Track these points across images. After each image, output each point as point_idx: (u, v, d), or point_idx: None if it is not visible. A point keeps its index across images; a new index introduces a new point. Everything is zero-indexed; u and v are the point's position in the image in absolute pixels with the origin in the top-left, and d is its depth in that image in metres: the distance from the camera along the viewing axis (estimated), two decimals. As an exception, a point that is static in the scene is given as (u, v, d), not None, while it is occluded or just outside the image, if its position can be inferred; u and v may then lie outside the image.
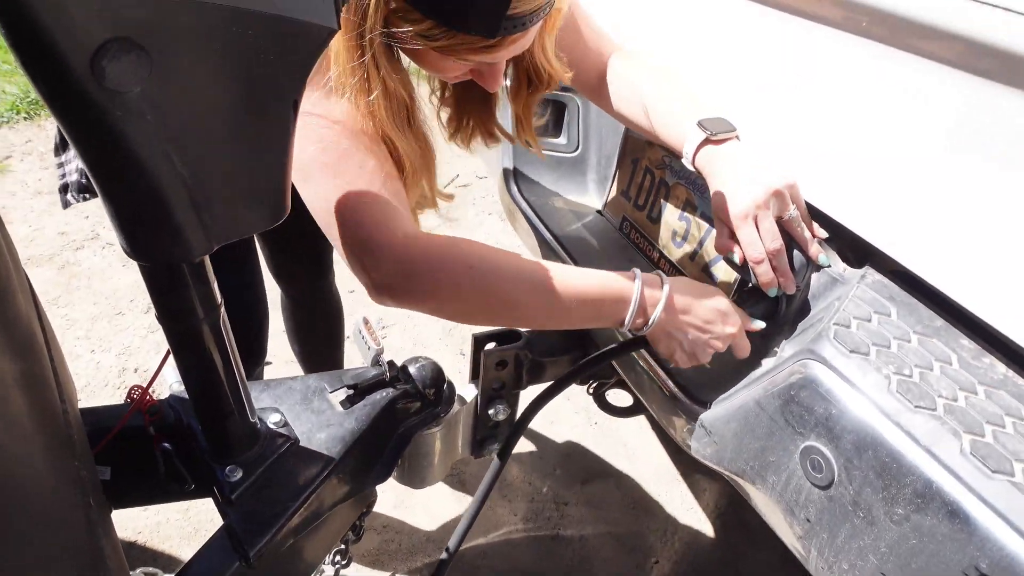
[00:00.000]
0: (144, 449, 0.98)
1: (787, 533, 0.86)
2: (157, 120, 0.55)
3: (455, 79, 0.94)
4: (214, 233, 0.68)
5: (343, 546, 1.34)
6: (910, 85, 0.76)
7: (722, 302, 0.92)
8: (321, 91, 0.88)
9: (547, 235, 1.27)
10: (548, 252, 1.27)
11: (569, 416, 2.29)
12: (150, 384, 0.95)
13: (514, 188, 1.37)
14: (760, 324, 0.94)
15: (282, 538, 0.90)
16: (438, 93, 1.12)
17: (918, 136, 0.77)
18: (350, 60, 0.83)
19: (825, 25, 0.87)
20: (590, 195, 1.43)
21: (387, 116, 0.88)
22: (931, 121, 0.75)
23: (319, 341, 1.84)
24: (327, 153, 0.89)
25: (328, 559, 1.37)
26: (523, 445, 2.19)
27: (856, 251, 0.89)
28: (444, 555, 1.02)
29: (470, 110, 1.13)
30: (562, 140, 1.43)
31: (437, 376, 1.12)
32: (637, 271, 0.91)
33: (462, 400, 1.21)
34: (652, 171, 1.23)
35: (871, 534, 0.72)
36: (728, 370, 0.95)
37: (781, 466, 0.80)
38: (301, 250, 1.61)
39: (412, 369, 1.10)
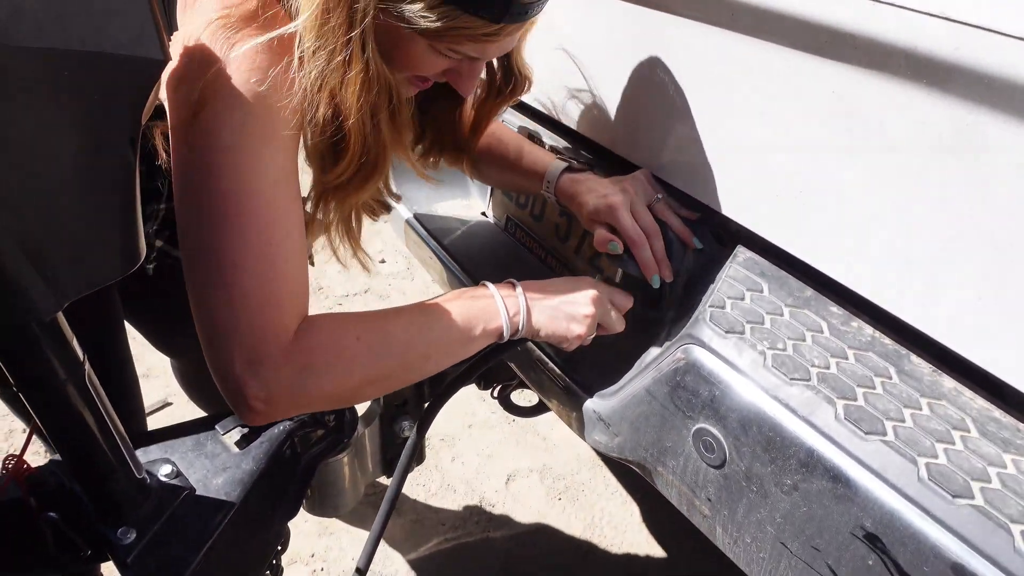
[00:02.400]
0: (28, 521, 0.92)
1: (694, 515, 0.88)
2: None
3: (423, 84, 0.89)
4: (63, 289, 0.63)
5: (264, 586, 1.29)
6: (771, 69, 0.79)
7: (568, 278, 0.95)
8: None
9: (434, 243, 1.26)
10: (441, 264, 1.26)
11: (486, 417, 2.29)
12: (23, 452, 0.89)
13: (404, 208, 1.36)
14: (629, 295, 0.97)
15: (189, 596, 0.85)
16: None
17: (778, 119, 0.80)
18: (333, 38, 0.72)
19: (691, 20, 0.89)
20: (474, 199, 1.43)
21: (362, 103, 0.77)
22: (791, 104, 0.78)
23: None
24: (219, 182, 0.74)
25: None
26: (445, 453, 2.18)
27: (728, 231, 0.92)
28: (354, 575, 1.00)
29: (439, 127, 1.08)
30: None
31: (335, 401, 1.09)
32: (487, 283, 0.91)
33: (366, 421, 1.18)
34: (531, 171, 1.24)
35: (766, 506, 0.75)
36: (620, 360, 0.97)
37: (677, 450, 0.82)
38: (184, 320, 1.50)
39: (308, 398, 1.07)
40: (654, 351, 0.92)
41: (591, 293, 0.91)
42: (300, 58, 0.73)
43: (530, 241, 1.28)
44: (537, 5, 0.76)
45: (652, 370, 0.83)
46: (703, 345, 0.77)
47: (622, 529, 1.98)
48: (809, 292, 0.82)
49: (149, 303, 1.32)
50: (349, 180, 0.86)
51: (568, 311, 0.90)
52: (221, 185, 0.74)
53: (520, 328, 0.89)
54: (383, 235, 3.17)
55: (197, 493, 0.92)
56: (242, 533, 0.94)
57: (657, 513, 2.02)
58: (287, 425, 1.02)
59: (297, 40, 0.73)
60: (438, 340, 0.86)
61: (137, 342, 2.49)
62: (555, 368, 1.02)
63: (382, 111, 0.80)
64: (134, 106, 0.61)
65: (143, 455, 0.94)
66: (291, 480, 1.04)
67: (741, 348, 0.75)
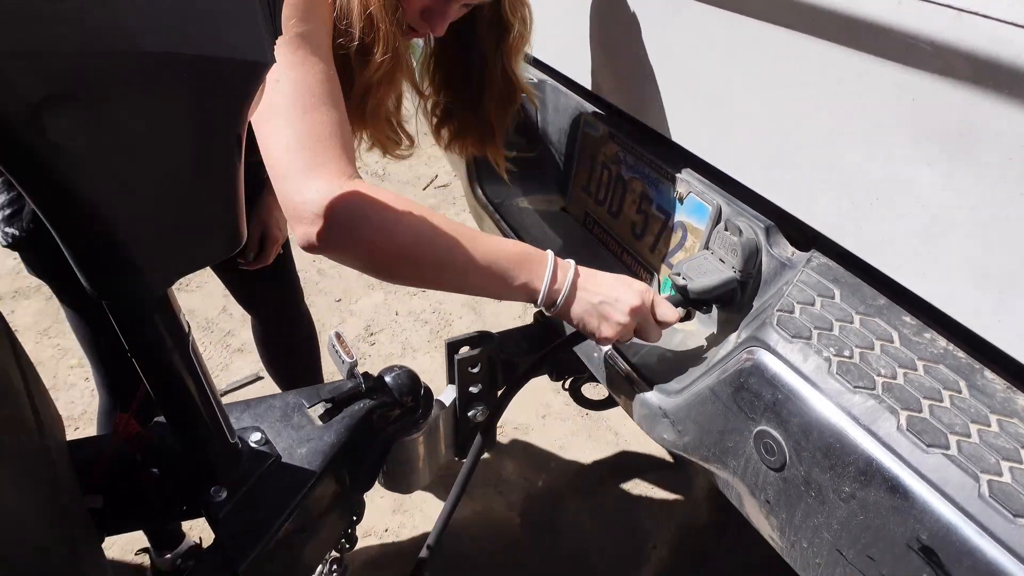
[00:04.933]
0: (134, 476, 1.01)
1: (753, 516, 0.89)
2: (101, 167, 0.58)
3: (414, 34, 1.03)
4: (172, 268, 0.70)
5: (338, 555, 1.37)
6: (850, 72, 0.79)
7: (624, 277, 0.97)
8: None
9: (513, 237, 1.29)
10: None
11: (560, 409, 2.33)
12: (132, 411, 0.98)
13: (479, 191, 1.40)
14: (676, 312, 0.99)
15: (270, 552, 0.93)
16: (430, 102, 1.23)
17: (857, 122, 0.79)
18: None
19: (764, 21, 0.89)
20: (554, 193, 1.45)
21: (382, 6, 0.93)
22: (869, 109, 0.78)
23: (295, 364, 1.86)
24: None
25: (324, 568, 1.40)
26: (517, 441, 2.23)
27: (803, 234, 0.92)
28: (424, 552, 1.05)
29: (463, 124, 1.23)
30: (522, 139, 1.46)
31: (413, 384, 1.15)
32: (551, 251, 0.96)
33: (441, 405, 1.24)
34: (609, 166, 1.26)
35: (823, 512, 0.75)
36: (689, 359, 0.98)
37: (738, 451, 0.83)
38: (265, 276, 1.63)
39: (388, 379, 1.13)
40: (722, 351, 0.93)
41: (634, 303, 0.93)
42: None
43: (607, 237, 1.30)
44: None
45: (717, 370, 0.84)
46: (768, 348, 0.78)
47: (690, 531, 1.98)
48: (883, 301, 0.81)
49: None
50: (380, 78, 0.99)
51: (605, 311, 0.94)
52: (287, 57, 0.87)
53: (557, 303, 0.94)
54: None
55: (283, 460, 0.99)
56: (321, 500, 1.01)
57: (728, 515, 2.01)
58: (367, 403, 1.08)
59: None
60: (479, 264, 0.91)
61: (234, 319, 2.66)
62: (623, 363, 1.04)
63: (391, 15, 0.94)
64: (239, 104, 0.67)
65: (236, 422, 1.02)
66: (368, 455, 1.11)
67: (806, 353, 0.75)
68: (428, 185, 3.57)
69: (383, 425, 1.12)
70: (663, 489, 2.09)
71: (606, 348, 1.08)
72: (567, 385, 1.47)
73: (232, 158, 0.69)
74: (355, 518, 1.26)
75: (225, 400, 0.95)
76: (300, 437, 1.03)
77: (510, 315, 2.70)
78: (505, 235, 1.33)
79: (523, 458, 2.18)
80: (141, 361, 0.81)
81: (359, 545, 1.87)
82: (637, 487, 2.10)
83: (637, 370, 1.02)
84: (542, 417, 2.31)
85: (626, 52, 1.16)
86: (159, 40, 0.58)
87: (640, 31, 1.11)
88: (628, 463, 2.17)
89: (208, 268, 1.45)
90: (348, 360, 1.08)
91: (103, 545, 1.03)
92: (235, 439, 0.95)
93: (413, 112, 1.24)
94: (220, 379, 2.41)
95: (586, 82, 1.30)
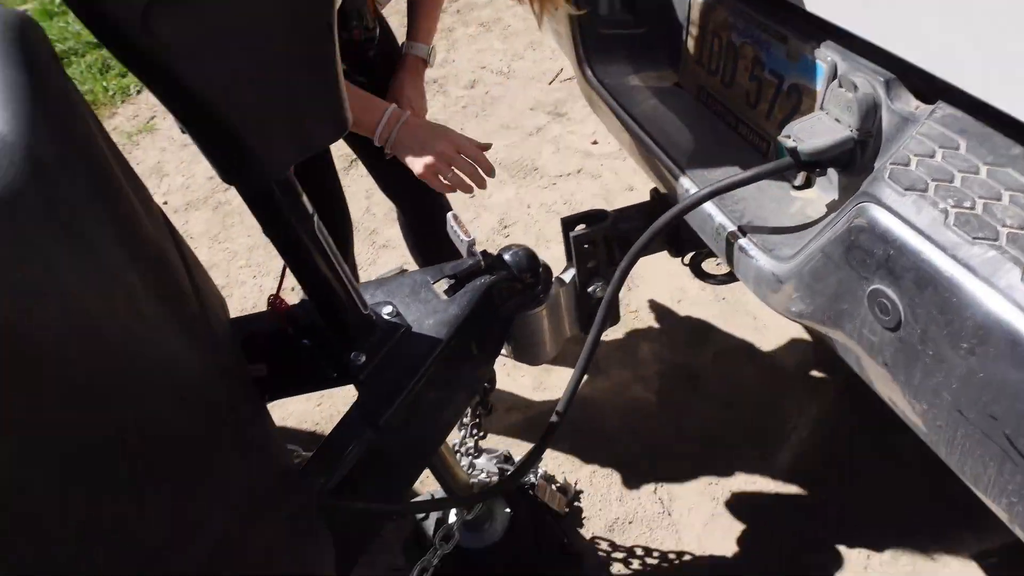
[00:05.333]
0: (290, 347, 1.14)
1: (872, 380, 0.87)
2: (211, 61, 0.64)
3: None
4: (286, 153, 0.77)
5: (477, 420, 1.49)
6: None
7: (443, 129, 1.28)
8: None
9: (625, 117, 1.27)
10: (630, 135, 1.27)
11: (695, 293, 2.30)
12: (278, 290, 1.09)
13: (588, 72, 1.37)
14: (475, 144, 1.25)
15: (406, 409, 1.03)
16: None
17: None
18: None
19: None
20: (665, 68, 1.39)
21: None
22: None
23: (437, 249, 1.95)
24: None
25: (465, 433, 1.53)
26: (653, 325, 2.24)
27: (931, 87, 0.83)
28: (554, 417, 1.12)
29: None
30: (630, 18, 1.40)
31: (531, 261, 1.19)
32: (393, 105, 1.27)
33: (561, 282, 1.28)
34: (719, 34, 1.18)
35: (942, 372, 0.72)
36: (805, 226, 0.94)
37: (854, 313, 0.81)
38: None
39: (506, 256, 1.18)
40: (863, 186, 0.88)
41: (439, 147, 1.22)
42: None
43: (722, 109, 1.24)
44: None
45: (829, 230, 0.80)
46: (879, 203, 0.73)
47: (831, 417, 1.93)
48: (1017, 150, 0.73)
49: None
50: None
51: (417, 151, 1.25)
52: None
53: (388, 141, 1.28)
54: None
55: (413, 330, 1.08)
56: (449, 366, 1.10)
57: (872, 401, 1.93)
58: (487, 279, 1.14)
59: None
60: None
61: (377, 218, 2.82)
62: (736, 231, 1.02)
63: None
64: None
65: (370, 298, 1.12)
66: (491, 326, 1.18)
67: (920, 206, 0.70)
68: (554, 79, 3.50)
69: (504, 299, 1.18)
70: (803, 373, 2.04)
71: (720, 220, 1.06)
72: (687, 260, 1.46)
73: (325, 44, 0.73)
74: (488, 385, 1.35)
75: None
76: (427, 310, 1.11)
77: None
78: (617, 116, 1.30)
79: (658, 341, 2.20)
80: (275, 240, 0.90)
81: (503, 419, 2.02)
82: (775, 372, 2.06)
83: (752, 239, 0.99)
84: (678, 302, 2.30)
85: None
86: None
87: None
88: (767, 346, 2.13)
89: (360, 164, 1.55)
90: (466, 239, 1.13)
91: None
92: (367, 311, 1.05)
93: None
94: (368, 273, 2.59)
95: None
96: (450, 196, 1.79)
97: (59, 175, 0.54)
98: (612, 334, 2.20)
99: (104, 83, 4.04)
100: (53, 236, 0.50)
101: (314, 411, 2.13)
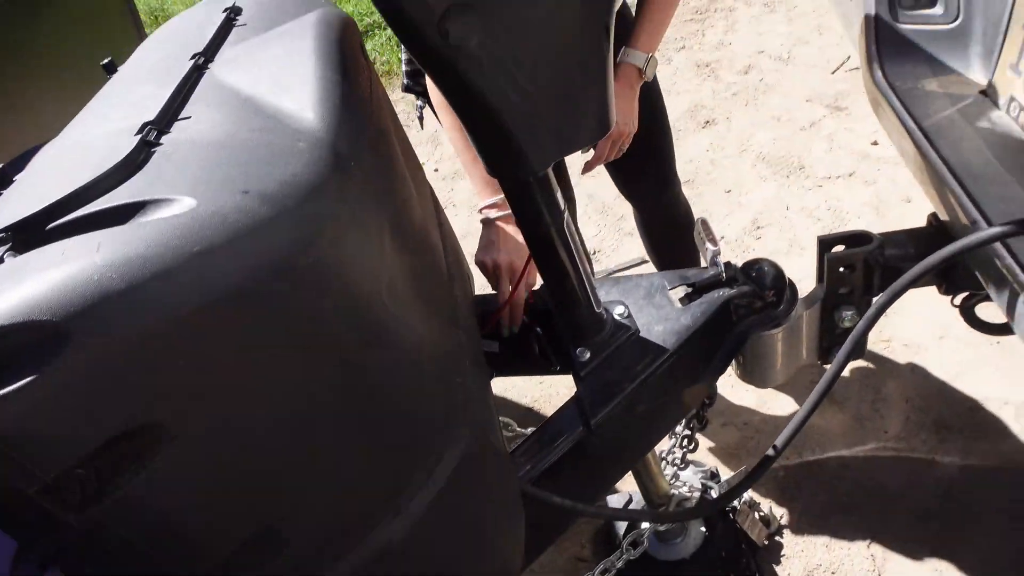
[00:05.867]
0: (521, 331, 1.20)
1: None
2: (494, 63, 0.68)
3: None
4: (549, 152, 0.80)
5: (689, 432, 1.46)
6: None
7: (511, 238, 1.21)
8: None
9: (913, 127, 1.13)
10: (917, 149, 1.13)
11: (963, 332, 2.02)
12: (520, 280, 1.14)
13: (878, 73, 1.23)
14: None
15: (619, 414, 1.03)
16: None
17: None
18: None
19: None
20: (974, 72, 1.21)
21: None
22: None
23: (671, 250, 1.92)
24: None
25: (676, 442, 1.50)
26: (904, 360, 2.02)
27: None
28: (771, 451, 1.06)
29: None
30: (937, 10, 1.23)
31: (777, 278, 1.13)
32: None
33: (807, 304, 1.19)
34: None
35: None
36: None
37: None
38: (642, 166, 1.69)
39: (752, 271, 1.13)
40: None
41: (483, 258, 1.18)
42: None
43: (1038, 130, 1.06)
44: None
45: None
46: None
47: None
48: None
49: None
50: None
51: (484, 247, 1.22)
52: None
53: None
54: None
55: (641, 335, 1.08)
56: (671, 376, 1.08)
57: None
58: (726, 292, 1.10)
59: None
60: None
61: (626, 205, 2.81)
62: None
63: None
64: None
65: (605, 296, 1.13)
66: (722, 343, 1.14)
67: None
68: (838, 68, 3.20)
69: (741, 316, 1.13)
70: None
71: (1008, 264, 0.91)
72: (958, 302, 1.28)
73: (602, 48, 0.75)
74: (707, 401, 1.31)
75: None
76: (659, 316, 1.10)
77: (916, 218, 2.39)
78: (904, 124, 1.16)
79: (908, 380, 1.97)
80: (526, 231, 0.95)
81: (717, 433, 1.95)
82: (1053, 436, 1.76)
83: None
84: (939, 338, 2.04)
85: None
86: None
87: None
88: (1046, 406, 1.82)
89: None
90: (712, 248, 1.10)
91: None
92: (600, 309, 1.06)
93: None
94: (611, 259, 2.60)
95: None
96: (707, 190, 1.73)
97: (353, 168, 0.60)
98: (855, 362, 2.02)
99: (399, 55, 4.44)
100: (343, 220, 0.57)
101: (535, 387, 2.21)
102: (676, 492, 1.48)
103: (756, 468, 1.07)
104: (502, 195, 1.21)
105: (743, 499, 1.66)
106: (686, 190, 1.89)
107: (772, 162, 2.80)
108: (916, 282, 1.03)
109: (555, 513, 1.00)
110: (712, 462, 1.86)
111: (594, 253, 2.66)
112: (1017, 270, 0.91)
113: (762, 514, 1.68)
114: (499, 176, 0.87)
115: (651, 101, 1.55)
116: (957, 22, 1.24)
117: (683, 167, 2.85)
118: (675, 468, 1.54)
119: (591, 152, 1.44)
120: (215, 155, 0.56)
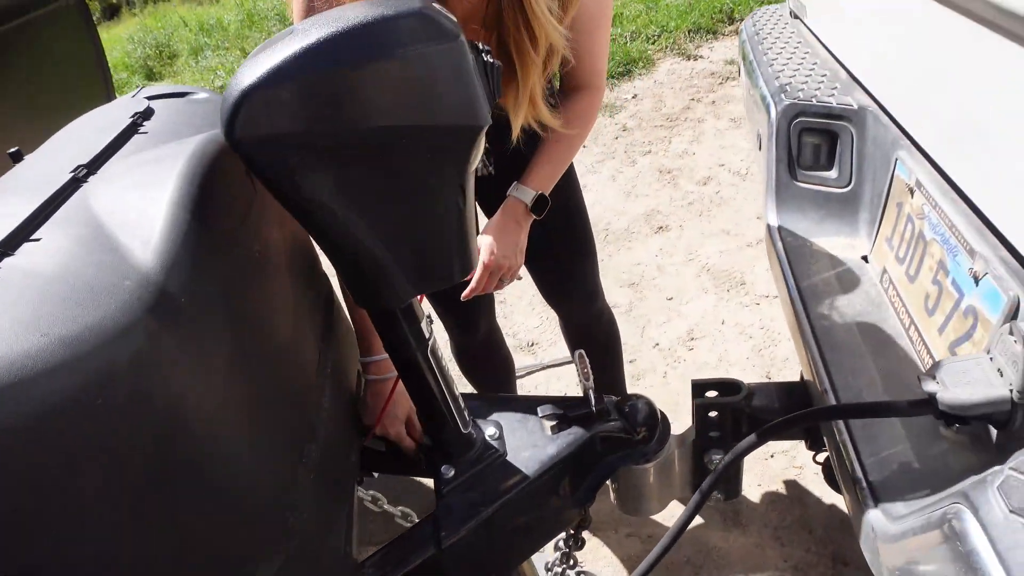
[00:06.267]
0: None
1: None
2: (347, 213, 0.74)
3: None
4: (411, 287, 0.85)
5: (567, 549, 1.47)
6: None
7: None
8: None
9: (792, 286, 1.19)
10: (792, 309, 1.20)
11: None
12: (386, 405, 1.17)
13: (774, 228, 1.30)
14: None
15: (476, 534, 1.05)
16: None
17: None
18: None
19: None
20: (860, 237, 1.29)
21: None
22: None
23: (597, 358, 1.95)
24: None
25: (557, 558, 1.51)
26: (813, 486, 2.05)
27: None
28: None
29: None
30: (833, 174, 1.31)
31: (650, 416, 1.17)
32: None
33: (679, 442, 1.23)
34: (913, 220, 1.08)
35: None
36: (933, 479, 0.83)
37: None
38: (563, 284, 1.74)
39: (625, 406, 1.17)
40: (966, 482, 0.76)
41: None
42: None
43: (899, 303, 1.12)
44: None
45: (923, 516, 0.71)
46: (975, 514, 0.63)
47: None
48: None
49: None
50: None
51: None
52: None
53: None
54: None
55: (507, 458, 1.11)
56: (532, 502, 1.11)
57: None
58: (595, 427, 1.14)
59: None
60: None
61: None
62: (854, 458, 0.92)
63: None
64: (461, 161, 0.77)
65: (484, 412, 1.16)
66: (587, 474, 1.17)
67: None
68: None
69: (610, 449, 1.17)
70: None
71: (844, 440, 0.96)
72: (819, 458, 1.33)
73: (458, 203, 0.80)
74: (582, 524, 1.33)
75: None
76: (529, 441, 1.13)
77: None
78: (786, 284, 1.23)
79: (815, 510, 2.00)
80: (392, 355, 0.99)
81: (621, 544, 1.95)
82: None
83: (871, 476, 0.89)
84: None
85: (956, 98, 0.98)
86: (393, 116, 0.70)
87: (984, 83, 0.93)
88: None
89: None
90: (584, 383, 1.14)
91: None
92: (468, 429, 1.09)
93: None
94: (547, 353, 2.63)
95: (904, 118, 1.13)
96: (650, 295, 1.76)
97: (184, 304, 0.65)
98: (767, 485, 2.05)
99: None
100: (151, 360, 0.61)
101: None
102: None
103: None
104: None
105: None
106: (630, 292, 1.92)
107: (716, 274, 2.88)
108: (774, 436, 1.07)
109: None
110: (611, 573, 1.86)
111: (531, 345, 2.70)
112: (849, 445, 0.96)
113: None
114: (364, 305, 0.91)
115: (572, 226, 1.60)
116: (849, 187, 1.32)
117: (631, 269, 2.94)
118: (558, 581, 1.54)
119: None
120: (40, 289, 0.59)
